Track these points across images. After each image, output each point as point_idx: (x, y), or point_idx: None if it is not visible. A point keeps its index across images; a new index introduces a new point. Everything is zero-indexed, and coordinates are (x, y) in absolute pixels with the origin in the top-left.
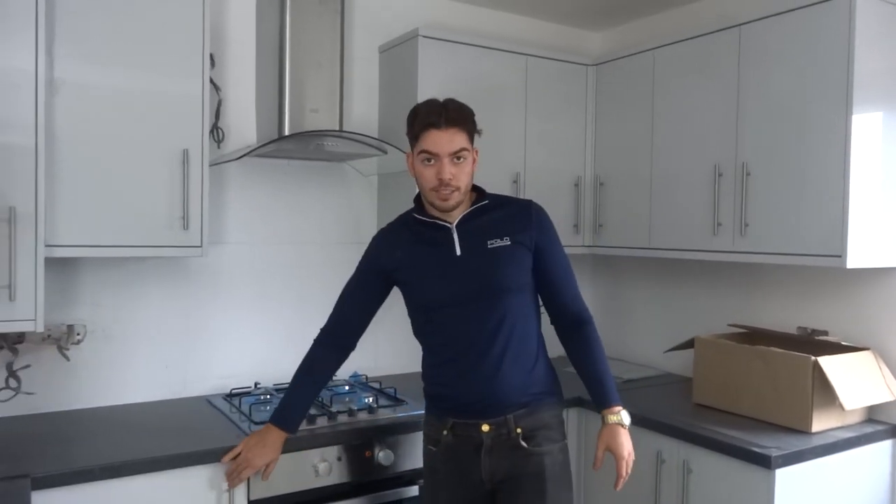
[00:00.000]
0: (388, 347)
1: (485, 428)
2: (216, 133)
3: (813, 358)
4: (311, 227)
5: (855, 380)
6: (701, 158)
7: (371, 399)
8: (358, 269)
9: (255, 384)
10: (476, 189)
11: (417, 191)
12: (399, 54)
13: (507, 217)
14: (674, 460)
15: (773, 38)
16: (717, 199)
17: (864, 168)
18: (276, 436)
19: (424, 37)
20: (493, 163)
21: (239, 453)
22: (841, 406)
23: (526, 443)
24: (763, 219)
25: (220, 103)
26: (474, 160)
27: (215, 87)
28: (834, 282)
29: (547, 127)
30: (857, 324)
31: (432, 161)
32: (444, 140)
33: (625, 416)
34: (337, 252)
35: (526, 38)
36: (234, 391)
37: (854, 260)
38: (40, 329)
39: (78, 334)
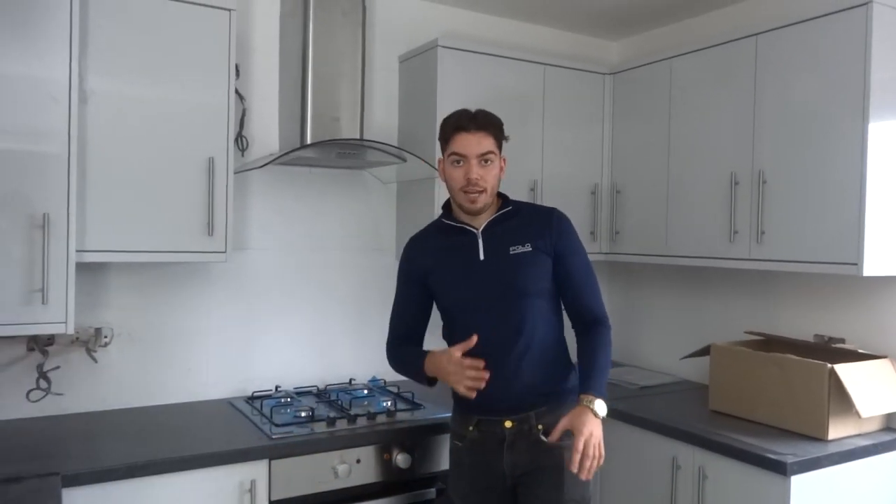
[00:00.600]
0: None
1: (507, 424)
2: (240, 142)
3: (829, 365)
4: (332, 233)
5: (872, 387)
6: (717, 166)
7: (389, 403)
8: (398, 284)
9: (276, 387)
10: (501, 196)
11: (447, 197)
12: (419, 64)
13: (529, 224)
14: (689, 466)
15: (789, 47)
16: (734, 207)
17: (881, 176)
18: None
19: (444, 47)
20: (511, 170)
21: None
22: (857, 414)
23: (546, 437)
24: (779, 226)
25: (244, 113)
26: (501, 167)
27: (240, 97)
28: (851, 290)
29: (564, 135)
30: (875, 332)
31: (461, 162)
32: (473, 142)
33: (599, 406)
34: (356, 258)
35: (544, 47)
36: (255, 394)
37: (871, 268)
38: (70, 331)
39: (105, 337)
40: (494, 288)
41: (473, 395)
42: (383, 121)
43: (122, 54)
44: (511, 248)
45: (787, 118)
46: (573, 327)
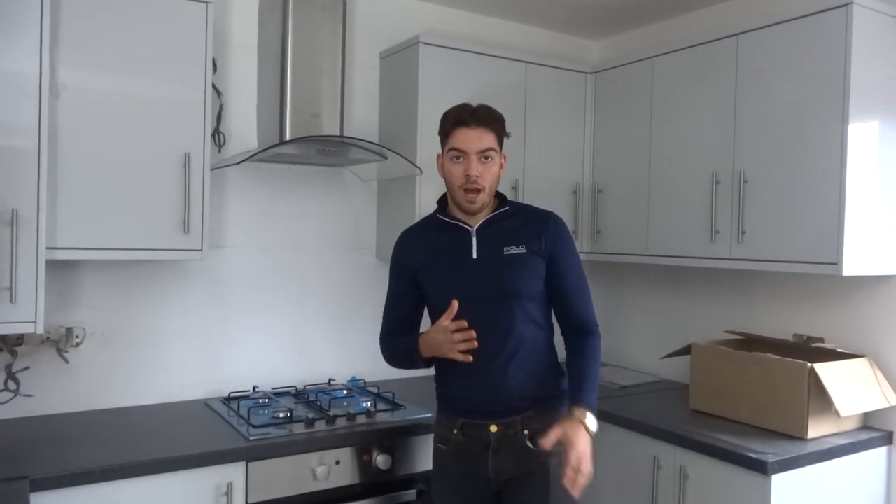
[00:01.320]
0: None
1: (493, 428)
2: (217, 137)
3: (809, 364)
4: (311, 231)
5: (851, 386)
6: (698, 166)
7: (369, 403)
8: (390, 279)
9: (254, 388)
10: (499, 196)
11: (442, 192)
12: (400, 61)
13: (525, 226)
14: (670, 466)
15: (770, 47)
16: (715, 207)
17: (860, 176)
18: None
19: (425, 43)
20: None
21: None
22: (837, 413)
23: (532, 444)
24: (760, 226)
25: (221, 108)
26: (502, 165)
27: (217, 91)
28: (830, 289)
29: (546, 134)
30: (853, 331)
31: (461, 158)
32: (473, 138)
33: (591, 421)
34: (336, 256)
35: (526, 45)
36: (232, 395)
37: (850, 268)
38: (40, 331)
39: (77, 337)
40: (486, 288)
41: (470, 358)
42: (364, 118)
43: (95, 47)
44: (505, 249)
45: (767, 118)
46: (562, 333)
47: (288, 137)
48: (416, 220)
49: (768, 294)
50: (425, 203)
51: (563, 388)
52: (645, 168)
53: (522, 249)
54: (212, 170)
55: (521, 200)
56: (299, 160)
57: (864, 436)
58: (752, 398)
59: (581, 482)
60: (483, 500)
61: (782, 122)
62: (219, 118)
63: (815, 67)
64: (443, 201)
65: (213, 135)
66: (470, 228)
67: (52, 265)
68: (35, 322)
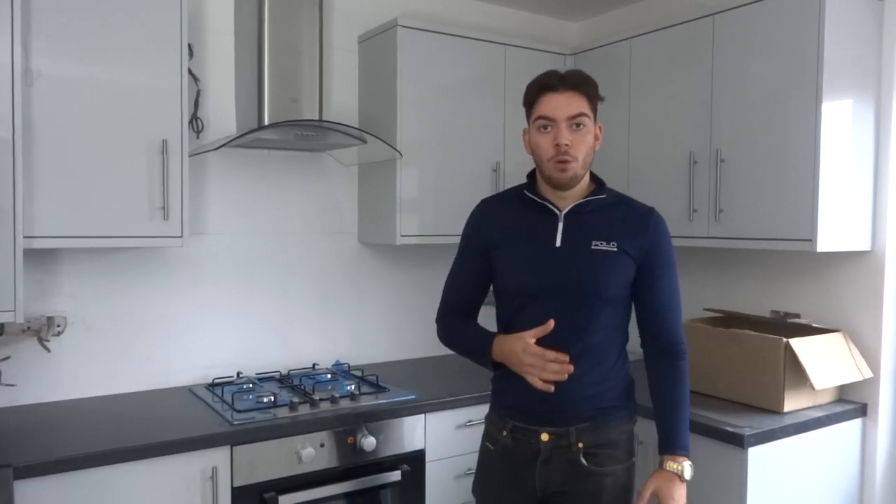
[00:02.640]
0: (371, 336)
1: (544, 437)
2: (195, 123)
3: (785, 340)
4: (292, 217)
5: (825, 361)
6: (676, 146)
7: (353, 386)
8: (459, 249)
9: (238, 374)
10: (596, 180)
11: (532, 167)
12: (378, 44)
13: (620, 219)
14: (651, 441)
15: (745, 27)
16: (692, 186)
17: (834, 154)
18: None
19: (403, 27)
20: (473, 152)
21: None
22: (812, 386)
23: (586, 460)
24: (737, 205)
25: (198, 93)
26: (597, 136)
27: (194, 77)
28: (806, 266)
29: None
30: (828, 306)
31: (549, 128)
32: (562, 103)
33: (687, 469)
34: (318, 242)
35: (504, 27)
36: (216, 381)
37: (824, 244)
38: (20, 320)
39: (58, 326)
40: (563, 282)
41: (552, 389)
42: (343, 102)
43: (69, 35)
44: (594, 242)
45: (743, 98)
46: (643, 346)
47: (266, 122)
48: (397, 203)
49: (746, 271)
50: (406, 187)
51: (628, 403)
52: (624, 149)
53: (613, 247)
54: (190, 156)
55: (501, 183)
56: (279, 145)
57: (839, 408)
58: (731, 374)
59: None
60: None
61: (758, 101)
62: (196, 104)
63: (790, 47)
64: (531, 178)
65: (190, 121)
66: (558, 212)
67: (31, 254)
68: (14, 311)
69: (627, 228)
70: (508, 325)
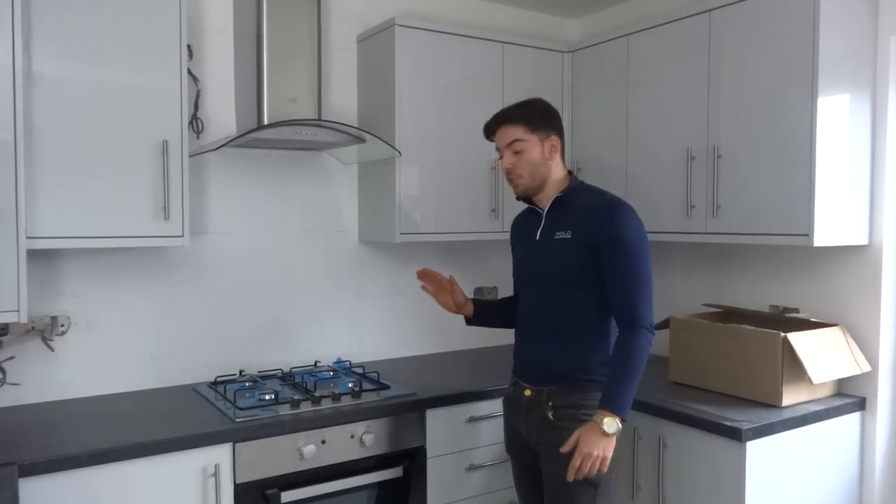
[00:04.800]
0: (372, 333)
1: (527, 392)
2: (195, 124)
3: (782, 334)
4: (292, 216)
5: (823, 355)
6: (674, 142)
7: (354, 383)
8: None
9: (240, 372)
10: (572, 179)
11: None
12: (376, 43)
13: (581, 212)
14: (650, 436)
15: (742, 22)
16: (690, 182)
17: (830, 149)
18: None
19: (401, 26)
20: (471, 150)
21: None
22: (810, 380)
23: (554, 416)
24: (734, 200)
25: (198, 94)
26: (553, 147)
27: (193, 77)
28: (803, 260)
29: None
30: (826, 301)
31: (502, 156)
32: (499, 137)
33: (610, 424)
34: (318, 241)
35: (502, 25)
36: (219, 379)
37: (821, 238)
38: (23, 320)
39: (62, 325)
40: (538, 268)
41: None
42: (342, 101)
43: (70, 36)
44: (556, 233)
45: (740, 93)
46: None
47: (266, 122)
48: (397, 202)
49: (744, 267)
50: (405, 185)
51: (596, 375)
52: (622, 145)
53: (569, 235)
54: (190, 156)
55: (499, 182)
56: (278, 145)
57: (838, 402)
58: (729, 368)
59: (579, 476)
60: (527, 454)
61: (755, 96)
62: (196, 104)
63: (786, 42)
64: None
65: (190, 121)
66: (541, 212)
67: (34, 254)
68: (18, 311)
69: (585, 218)
70: (518, 301)
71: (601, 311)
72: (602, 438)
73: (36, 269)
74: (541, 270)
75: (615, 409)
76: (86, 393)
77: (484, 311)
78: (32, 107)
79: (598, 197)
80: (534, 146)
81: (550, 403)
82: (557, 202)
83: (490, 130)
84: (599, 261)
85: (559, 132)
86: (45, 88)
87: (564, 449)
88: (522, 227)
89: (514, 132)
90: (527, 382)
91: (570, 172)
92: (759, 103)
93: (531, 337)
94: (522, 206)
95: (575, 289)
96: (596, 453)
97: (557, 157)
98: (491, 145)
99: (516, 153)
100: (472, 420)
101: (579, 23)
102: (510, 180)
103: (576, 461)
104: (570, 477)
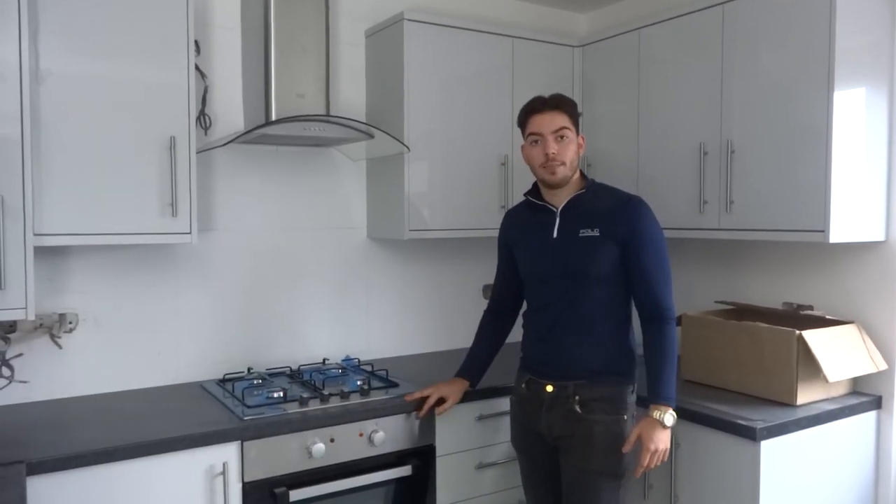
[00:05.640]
0: (381, 331)
1: (548, 388)
2: (203, 120)
3: (797, 332)
4: (301, 212)
5: (839, 352)
6: (687, 137)
7: (363, 381)
8: (497, 251)
9: (248, 369)
10: (585, 179)
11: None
12: (385, 38)
13: (604, 209)
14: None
15: (756, 16)
16: (703, 177)
17: (846, 144)
18: (460, 383)
19: (410, 20)
20: (481, 146)
21: (426, 397)
22: (825, 378)
23: (580, 409)
24: (748, 196)
25: (206, 90)
26: (580, 145)
27: (201, 73)
28: (818, 257)
29: None
30: (841, 298)
31: (539, 142)
32: (546, 121)
33: (668, 417)
34: (326, 237)
35: (512, 20)
36: (227, 376)
37: (837, 234)
38: (31, 317)
39: (70, 322)
40: (560, 266)
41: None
42: (350, 96)
43: (77, 32)
44: (581, 231)
45: (754, 87)
46: (639, 316)
47: (274, 118)
48: (405, 198)
49: (758, 263)
50: (414, 181)
51: (624, 369)
52: (633, 140)
53: (596, 232)
54: (198, 153)
55: (509, 176)
56: (286, 141)
57: (853, 401)
58: (743, 366)
59: (647, 470)
60: (542, 450)
61: (769, 91)
62: (203, 101)
63: (801, 35)
64: (535, 187)
65: (198, 118)
66: (554, 209)
67: (42, 252)
68: (26, 308)
69: (609, 216)
70: (528, 301)
71: (625, 305)
72: (663, 432)
73: (43, 267)
74: (566, 269)
75: (668, 402)
76: (94, 390)
77: (479, 369)
78: (40, 103)
79: (615, 194)
80: (573, 139)
81: (577, 397)
82: (576, 199)
83: (534, 111)
84: (626, 257)
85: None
86: (52, 85)
87: (626, 448)
88: (525, 226)
89: (562, 120)
90: (547, 379)
91: (582, 172)
92: (773, 97)
93: (548, 334)
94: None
95: (604, 285)
96: (662, 447)
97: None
98: (500, 142)
99: (561, 140)
100: (481, 418)
101: (589, 17)
102: (549, 167)
103: (644, 459)
104: (638, 474)
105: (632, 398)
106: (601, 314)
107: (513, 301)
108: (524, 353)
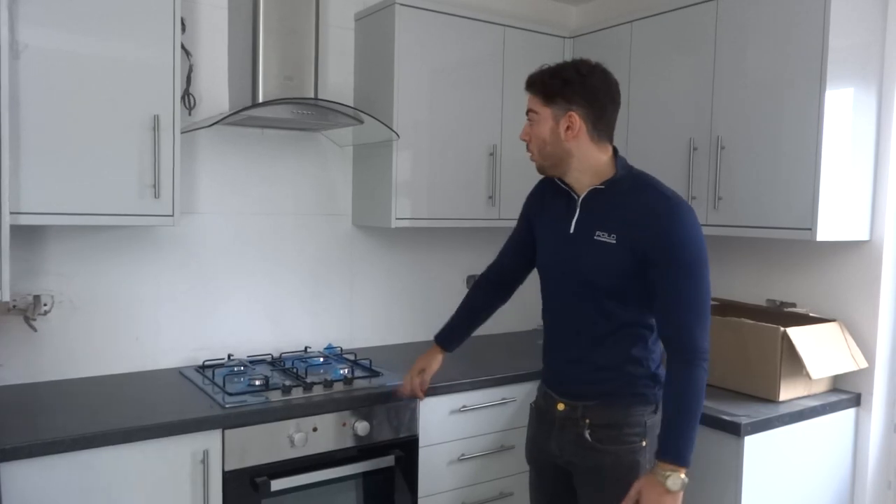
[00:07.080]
0: (364, 320)
1: (560, 406)
2: (188, 100)
3: (782, 329)
4: (285, 197)
5: (821, 350)
6: (676, 132)
7: (346, 370)
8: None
9: (229, 356)
10: (619, 165)
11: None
12: (375, 22)
13: (628, 211)
14: None
15: (749, 12)
16: (692, 173)
17: (836, 143)
18: (436, 350)
19: (401, 5)
20: (470, 135)
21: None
22: (808, 375)
23: (591, 436)
24: (736, 192)
25: (191, 69)
26: (554, 127)
27: (186, 52)
28: (803, 255)
29: (525, 99)
30: (824, 296)
31: None
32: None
33: (674, 481)
34: (311, 223)
35: (504, 9)
36: (207, 363)
37: (824, 233)
38: (5, 298)
39: (45, 305)
40: (571, 268)
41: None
42: (339, 81)
43: (57, 5)
44: (597, 233)
45: (745, 84)
46: (665, 349)
47: (261, 100)
48: (393, 186)
49: (743, 260)
50: (402, 169)
51: (641, 391)
52: (623, 133)
53: (612, 239)
54: (182, 133)
55: (499, 167)
56: (272, 124)
57: (834, 398)
58: (727, 362)
59: None
60: (552, 472)
61: (760, 88)
62: (188, 80)
63: (794, 33)
64: None
65: (182, 97)
66: (576, 197)
67: (18, 231)
68: (0, 289)
69: (634, 220)
70: (542, 295)
71: (643, 323)
72: (667, 496)
73: (19, 246)
74: (579, 276)
75: (678, 461)
76: (69, 375)
77: (458, 335)
78: (17, 78)
79: (647, 192)
80: (544, 121)
81: (587, 421)
82: (600, 191)
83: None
84: (649, 273)
85: (588, 108)
86: (29, 59)
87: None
88: (551, 206)
89: (531, 101)
90: (559, 395)
91: (615, 154)
92: (764, 95)
93: (559, 342)
94: (521, 191)
95: (611, 299)
96: None
97: (584, 139)
98: (489, 131)
99: (530, 124)
100: (465, 409)
101: (580, 9)
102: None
103: None
104: None
105: (653, 419)
106: (619, 333)
107: (511, 276)
108: (543, 361)
